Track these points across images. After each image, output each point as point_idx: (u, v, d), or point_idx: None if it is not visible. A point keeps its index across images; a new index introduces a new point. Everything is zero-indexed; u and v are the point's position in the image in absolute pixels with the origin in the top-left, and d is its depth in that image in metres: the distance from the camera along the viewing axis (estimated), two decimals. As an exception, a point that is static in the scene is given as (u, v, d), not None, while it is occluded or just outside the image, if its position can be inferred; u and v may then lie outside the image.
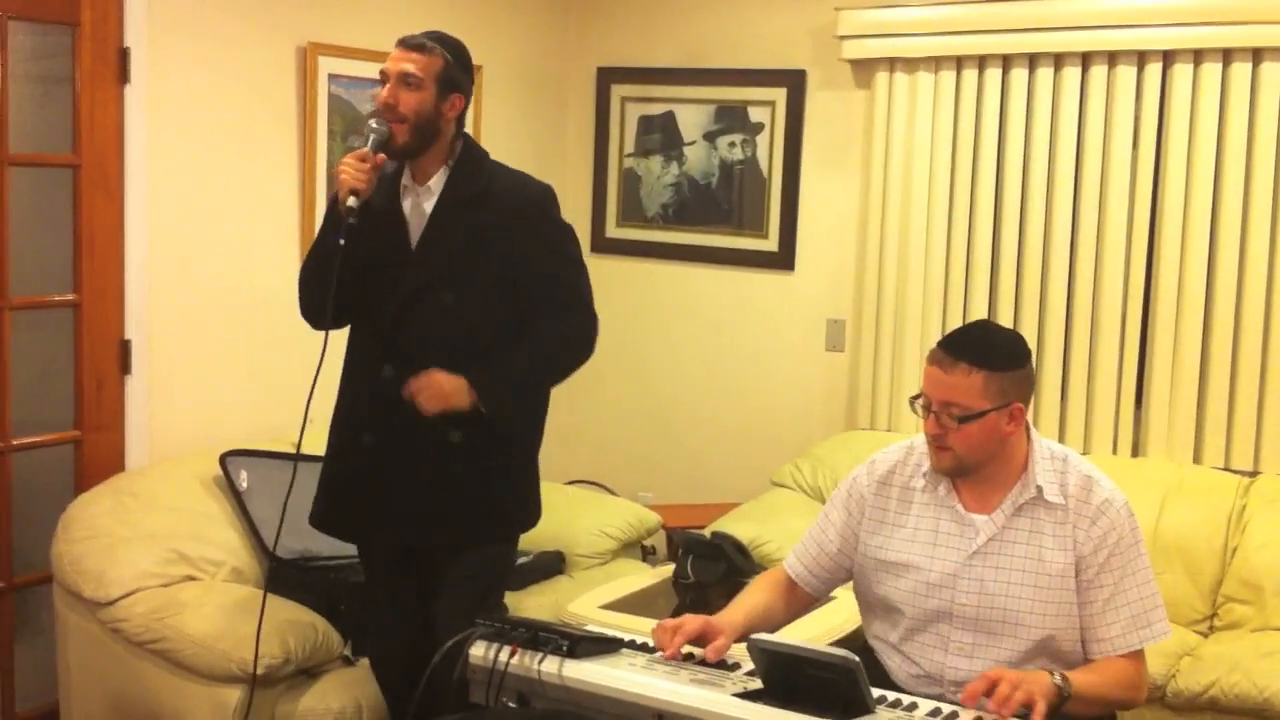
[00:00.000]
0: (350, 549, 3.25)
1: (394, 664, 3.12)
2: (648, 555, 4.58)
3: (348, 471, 3.04)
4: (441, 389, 2.89)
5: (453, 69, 2.94)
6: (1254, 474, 4.19)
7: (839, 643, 3.21)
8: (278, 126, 4.18)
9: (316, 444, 3.06)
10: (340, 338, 3.06)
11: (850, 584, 2.79)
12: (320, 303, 2.94)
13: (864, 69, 4.77)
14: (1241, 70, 4.16)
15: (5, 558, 3.65)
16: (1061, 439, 4.40)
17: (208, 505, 3.66)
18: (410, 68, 2.89)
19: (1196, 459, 4.31)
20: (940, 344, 2.57)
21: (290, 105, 4.20)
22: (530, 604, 3.82)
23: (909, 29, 4.58)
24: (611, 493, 4.97)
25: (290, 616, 3.29)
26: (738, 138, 5.08)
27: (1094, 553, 2.52)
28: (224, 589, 3.43)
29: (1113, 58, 4.34)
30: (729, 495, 4.91)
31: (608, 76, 5.32)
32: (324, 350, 2.89)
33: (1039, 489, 2.56)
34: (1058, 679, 2.38)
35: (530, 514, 3.11)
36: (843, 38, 4.70)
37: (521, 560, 3.89)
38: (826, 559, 2.75)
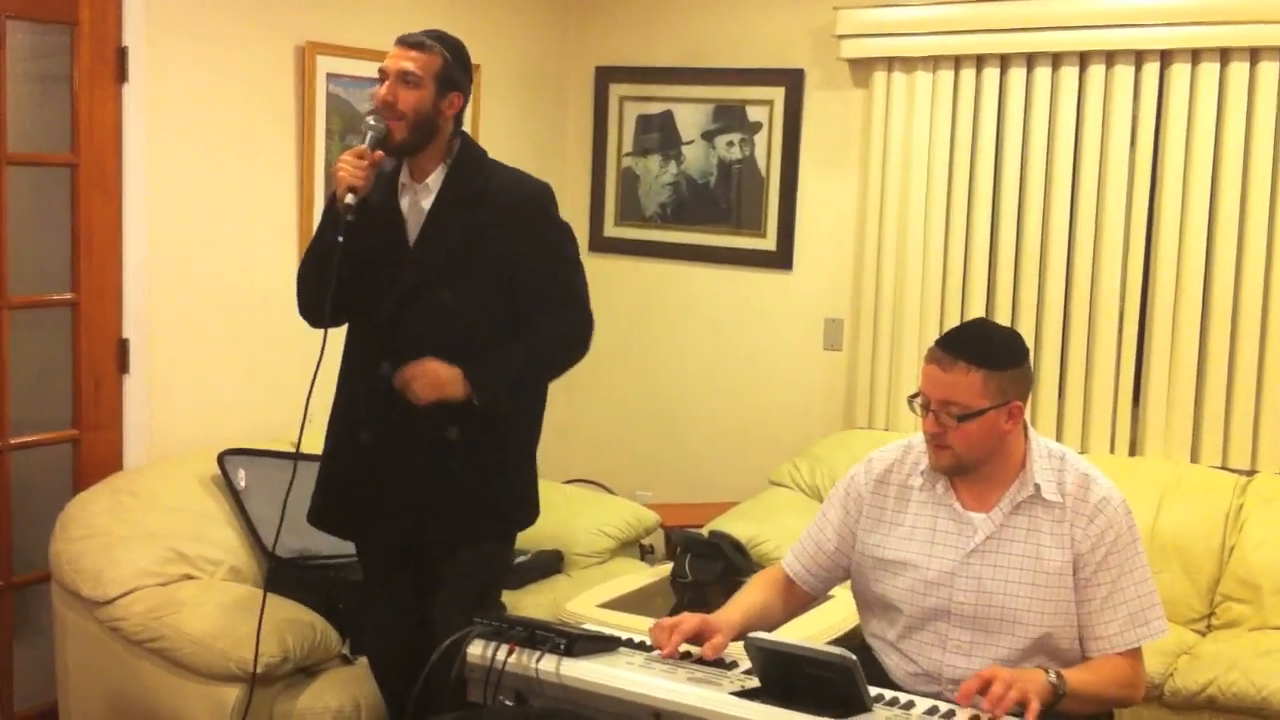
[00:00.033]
0: (349, 548, 3.25)
1: (392, 662, 3.12)
2: (646, 554, 4.58)
3: (345, 468, 3.04)
4: (437, 376, 2.89)
5: (451, 67, 2.94)
6: (1251, 473, 4.20)
7: (837, 641, 3.21)
8: (276, 126, 4.18)
9: (316, 443, 3.06)
10: (339, 336, 3.06)
11: (848, 583, 2.80)
12: (318, 300, 2.94)
13: (862, 68, 4.77)
14: (1239, 70, 4.16)
15: (4, 557, 3.65)
16: (1059, 438, 4.40)
17: (206, 504, 3.66)
18: (409, 66, 2.89)
19: (1194, 458, 4.31)
20: (938, 343, 2.57)
21: (289, 105, 4.20)
22: (528, 603, 3.82)
23: (907, 28, 4.58)
24: (610, 492, 4.97)
25: (288, 615, 3.29)
26: (736, 137, 5.07)
27: (1091, 551, 2.52)
28: (222, 588, 3.43)
29: (1110, 57, 4.34)
30: (727, 494, 4.91)
31: (606, 76, 5.32)
32: (323, 348, 2.89)
33: (1037, 487, 2.56)
34: (1052, 677, 2.38)
35: (528, 512, 3.12)
36: (841, 37, 4.70)
37: (519, 559, 3.89)
38: (824, 557, 2.75)
